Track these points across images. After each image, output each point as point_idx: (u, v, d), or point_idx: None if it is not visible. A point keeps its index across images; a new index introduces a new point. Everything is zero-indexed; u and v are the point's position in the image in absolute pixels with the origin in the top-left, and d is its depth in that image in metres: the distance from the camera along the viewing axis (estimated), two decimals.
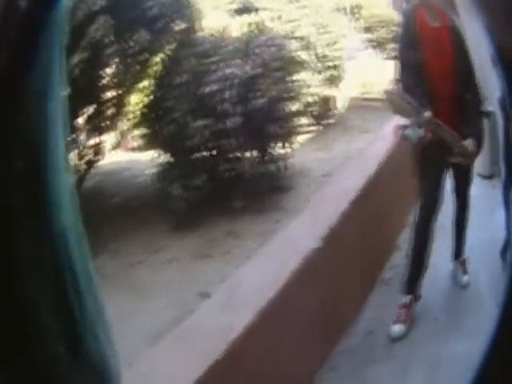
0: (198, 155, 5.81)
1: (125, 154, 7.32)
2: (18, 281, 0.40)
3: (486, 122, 3.30)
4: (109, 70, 6.67)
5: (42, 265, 0.43)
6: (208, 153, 5.79)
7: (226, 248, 5.40)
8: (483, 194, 3.81)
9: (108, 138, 7.02)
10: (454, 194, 3.43)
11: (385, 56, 8.22)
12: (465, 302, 3.29)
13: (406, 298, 3.25)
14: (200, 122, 5.63)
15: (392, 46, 8.12)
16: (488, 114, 3.27)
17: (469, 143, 3.10)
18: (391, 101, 3.40)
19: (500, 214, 2.88)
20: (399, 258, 3.76)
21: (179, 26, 6.54)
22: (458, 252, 3.54)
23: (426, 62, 3.22)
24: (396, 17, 8.25)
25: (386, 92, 3.60)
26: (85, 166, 6.24)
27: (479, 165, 3.70)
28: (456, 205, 3.44)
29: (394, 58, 7.06)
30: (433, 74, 3.23)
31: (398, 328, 3.13)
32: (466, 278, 3.46)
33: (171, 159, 5.97)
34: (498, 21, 0.62)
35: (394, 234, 4.34)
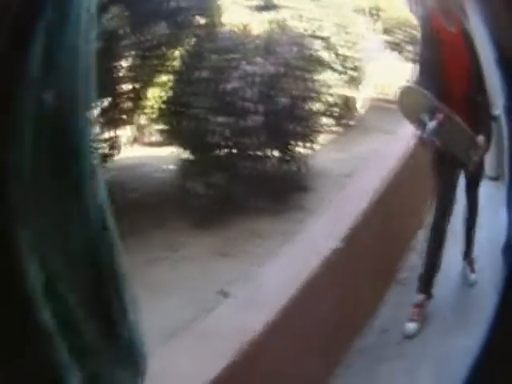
0: (218, 153, 5.73)
1: (142, 148, 7.23)
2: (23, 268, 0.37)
3: (493, 125, 3.43)
4: (124, 63, 6.57)
5: (76, 242, 0.40)
6: (229, 151, 5.72)
7: (247, 247, 5.34)
8: (489, 194, 3.88)
9: (124, 133, 6.92)
10: (465, 194, 3.60)
11: (403, 58, 8.19)
12: (472, 301, 3.38)
13: (420, 297, 3.43)
14: (221, 120, 5.55)
15: (410, 48, 8.11)
16: (495, 118, 3.34)
17: (480, 138, 3.27)
18: (405, 97, 3.53)
19: (503, 214, 2.95)
20: (416, 259, 3.84)
21: (199, 20, 6.46)
22: (467, 251, 3.68)
23: (443, 65, 3.38)
24: (413, 20, 8.24)
25: (402, 87, 3.72)
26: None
27: (486, 166, 3.85)
28: (467, 204, 3.61)
29: (412, 60, 7.05)
30: (449, 76, 3.40)
31: (411, 326, 3.37)
32: (473, 276, 3.65)
33: (191, 156, 5.89)
34: (500, 21, 0.60)
35: (411, 235, 4.39)
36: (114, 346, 0.43)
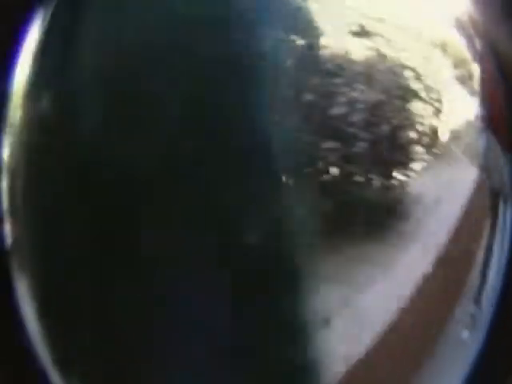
0: (323, 178, 5.78)
1: None
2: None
3: None
4: None
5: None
6: (334, 177, 5.77)
7: (348, 273, 5.42)
8: None
9: None
10: None
11: (468, 92, 8.39)
12: None
13: (473, 307, 3.71)
14: (327, 145, 5.64)
15: (471, 83, 8.28)
16: None
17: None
18: (460, 132, 3.92)
19: None
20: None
21: (298, 40, 6.50)
22: None
23: (489, 96, 3.76)
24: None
25: (457, 122, 4.09)
26: None
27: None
28: None
29: (472, 93, 7.26)
30: (493, 105, 3.77)
31: (465, 333, 3.57)
32: None
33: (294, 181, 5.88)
34: (499, 31, 0.64)
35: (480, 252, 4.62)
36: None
